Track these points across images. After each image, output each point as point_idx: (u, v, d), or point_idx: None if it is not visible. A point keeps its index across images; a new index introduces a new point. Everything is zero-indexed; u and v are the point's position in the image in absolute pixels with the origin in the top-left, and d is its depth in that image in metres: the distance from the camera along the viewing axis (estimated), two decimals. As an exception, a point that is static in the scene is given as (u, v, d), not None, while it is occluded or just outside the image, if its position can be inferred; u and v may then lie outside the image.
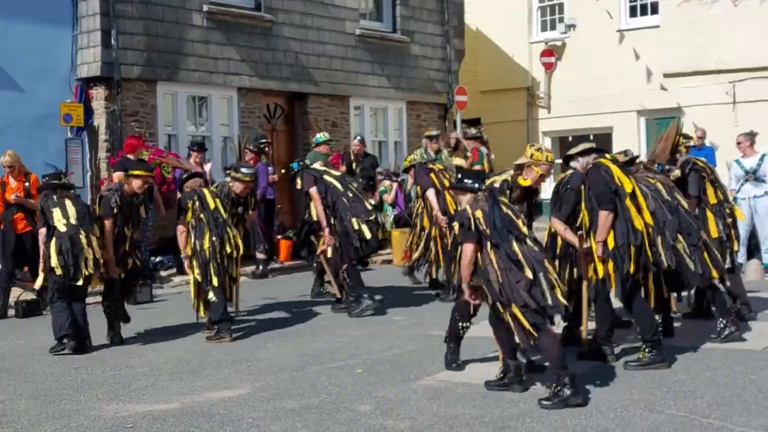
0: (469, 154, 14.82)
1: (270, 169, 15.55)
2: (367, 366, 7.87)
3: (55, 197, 9.37)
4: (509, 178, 7.66)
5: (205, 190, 10.02)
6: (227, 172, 11.34)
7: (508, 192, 7.49)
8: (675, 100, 20.85)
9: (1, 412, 6.87)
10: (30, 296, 11.72)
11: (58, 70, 15.28)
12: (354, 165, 16.53)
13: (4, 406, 7.04)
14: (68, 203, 9.33)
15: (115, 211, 9.41)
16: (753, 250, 13.12)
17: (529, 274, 6.65)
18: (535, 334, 6.63)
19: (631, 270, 7.42)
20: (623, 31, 22.07)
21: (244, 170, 10.51)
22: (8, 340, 9.87)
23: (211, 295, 9.44)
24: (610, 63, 21.81)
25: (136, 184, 9.66)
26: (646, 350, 7.55)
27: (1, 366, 8.58)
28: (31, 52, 14.83)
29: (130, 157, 13.58)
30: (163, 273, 14.10)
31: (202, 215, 9.69)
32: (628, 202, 7.45)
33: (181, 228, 9.86)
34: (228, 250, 9.61)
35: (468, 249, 6.83)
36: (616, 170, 7.56)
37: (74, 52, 15.43)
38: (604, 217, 7.41)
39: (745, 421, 5.97)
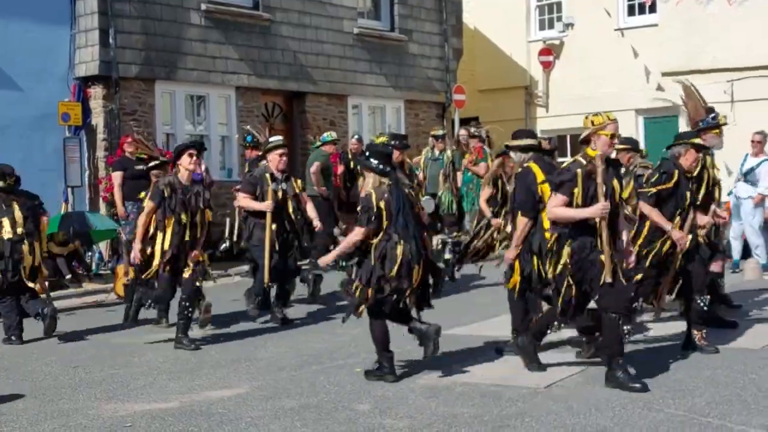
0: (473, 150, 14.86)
1: None
2: (366, 365, 7.85)
3: (3, 205, 9.60)
4: (579, 158, 7.10)
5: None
6: (258, 156, 11.27)
7: (578, 172, 6.90)
8: (673, 99, 20.84)
9: (-1, 412, 6.87)
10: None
11: (56, 69, 15.28)
12: (352, 164, 16.50)
13: (3, 405, 7.03)
14: (15, 209, 9.56)
15: (166, 194, 8.87)
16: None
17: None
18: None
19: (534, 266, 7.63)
20: (621, 30, 22.06)
21: (271, 139, 10.19)
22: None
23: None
24: (609, 62, 21.79)
25: (185, 162, 9.01)
26: (514, 336, 8.01)
27: (0, 365, 8.57)
28: (29, 51, 14.83)
29: (129, 156, 13.59)
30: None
31: (168, 207, 9.69)
32: (544, 215, 7.61)
33: (144, 217, 9.50)
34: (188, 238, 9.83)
35: (360, 233, 7.24)
36: (540, 178, 7.75)
37: (72, 51, 15.43)
38: (523, 224, 7.73)
39: (744, 420, 5.96)
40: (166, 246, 8.92)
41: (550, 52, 23.21)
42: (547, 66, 23.31)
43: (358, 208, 7.36)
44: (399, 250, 7.16)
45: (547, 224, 7.57)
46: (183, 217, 8.92)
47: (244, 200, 10.12)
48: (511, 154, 8.34)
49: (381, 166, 7.30)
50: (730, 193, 13.54)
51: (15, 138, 14.56)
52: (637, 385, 6.75)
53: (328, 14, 18.52)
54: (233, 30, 16.95)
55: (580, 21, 22.59)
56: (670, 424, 5.91)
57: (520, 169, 8.03)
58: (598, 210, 6.90)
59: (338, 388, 7.16)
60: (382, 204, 7.18)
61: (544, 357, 8.02)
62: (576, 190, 6.94)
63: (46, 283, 12.72)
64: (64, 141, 15.10)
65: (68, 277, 13.37)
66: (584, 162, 7.01)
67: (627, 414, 6.18)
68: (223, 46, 16.77)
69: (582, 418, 6.12)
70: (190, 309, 9.05)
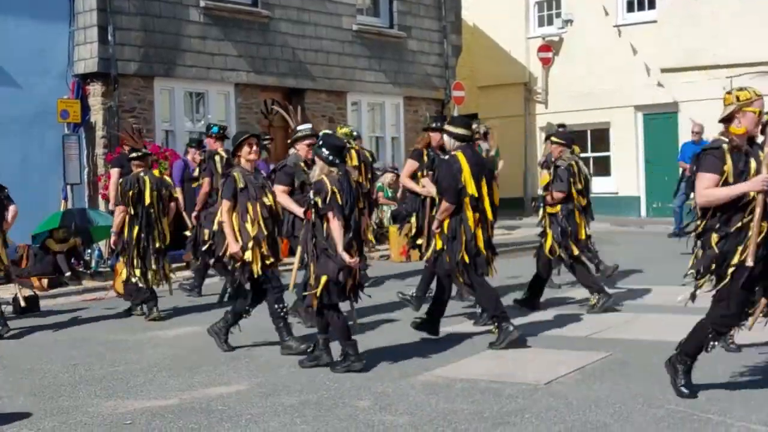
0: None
1: (271, 166, 15.50)
2: (365, 362, 7.85)
3: None
4: (720, 137, 6.42)
5: (147, 180, 10.51)
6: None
7: (725, 147, 6.22)
8: (672, 96, 20.85)
9: (-1, 409, 6.87)
10: (28, 292, 11.70)
11: (55, 66, 15.27)
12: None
13: (3, 403, 7.03)
14: None
15: (239, 186, 8.34)
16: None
17: (346, 257, 7.39)
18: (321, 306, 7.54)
19: (465, 259, 8.21)
20: (620, 27, 22.08)
21: (300, 128, 9.75)
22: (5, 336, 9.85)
23: (134, 280, 10.52)
24: (608, 58, 21.82)
25: (245, 152, 8.53)
26: (496, 326, 8.29)
27: (-1, 362, 8.58)
28: (27, 48, 14.82)
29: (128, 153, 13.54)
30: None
31: (136, 208, 10.40)
32: (467, 201, 8.22)
33: (121, 208, 10.54)
34: (157, 244, 10.52)
35: (340, 223, 7.40)
36: (466, 170, 8.23)
37: (71, 48, 15.42)
38: (445, 206, 8.28)
39: (745, 415, 5.96)
40: (255, 231, 8.37)
41: (550, 49, 23.23)
42: (547, 62, 23.33)
43: (314, 195, 7.49)
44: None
45: (471, 220, 8.17)
46: (266, 199, 8.45)
47: (284, 198, 9.33)
48: (444, 137, 8.66)
49: (330, 157, 7.54)
50: None
51: (13, 135, 14.56)
52: (685, 391, 6.43)
53: (327, 11, 18.52)
54: (232, 27, 16.94)
55: (579, 17, 22.61)
56: (670, 420, 5.91)
57: (447, 156, 8.49)
58: (758, 183, 6.05)
59: (338, 385, 7.15)
60: (335, 188, 7.42)
61: (544, 354, 8.03)
62: (726, 167, 6.23)
63: (45, 281, 12.84)
64: (63, 138, 15.09)
65: (68, 274, 13.36)
66: (726, 140, 6.33)
67: (627, 410, 6.17)
68: (222, 42, 16.76)
69: (582, 414, 6.12)
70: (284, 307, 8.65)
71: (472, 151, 8.46)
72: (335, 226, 7.40)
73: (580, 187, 10.12)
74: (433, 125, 10.81)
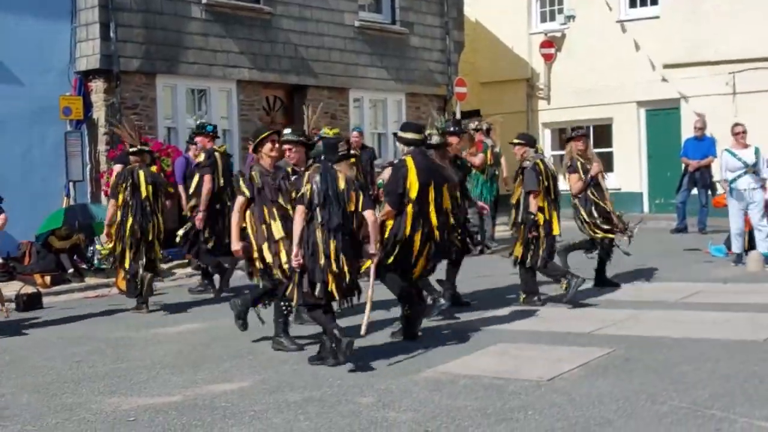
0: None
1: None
2: (367, 358, 7.85)
3: None
4: None
5: (141, 174, 10.64)
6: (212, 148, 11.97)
7: None
8: (675, 91, 20.83)
9: (3, 406, 6.86)
10: (31, 290, 11.73)
11: (57, 63, 15.28)
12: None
13: (6, 400, 7.04)
14: None
15: (257, 185, 8.29)
16: (752, 241, 13.10)
17: (321, 259, 7.44)
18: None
19: (389, 261, 8.28)
20: (623, 22, 22.04)
21: (284, 131, 8.94)
22: (9, 333, 9.86)
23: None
24: (610, 54, 21.78)
25: (266, 148, 8.49)
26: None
27: (3, 360, 8.58)
28: (29, 45, 14.82)
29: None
30: (163, 266, 14.05)
31: (130, 201, 10.54)
32: (409, 207, 8.27)
33: (112, 202, 10.72)
34: (149, 237, 10.63)
35: (302, 212, 7.52)
36: (412, 175, 8.29)
37: (73, 45, 15.43)
38: (386, 210, 8.35)
39: (748, 411, 5.95)
40: (280, 233, 8.24)
41: (552, 45, 23.19)
42: (549, 58, 23.30)
43: (290, 186, 7.83)
44: (319, 235, 7.50)
45: (408, 227, 8.22)
46: (282, 202, 8.28)
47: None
48: (397, 143, 8.91)
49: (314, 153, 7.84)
50: (730, 190, 13.34)
51: (15, 132, 14.57)
52: None
53: (329, 7, 18.51)
54: (234, 23, 16.93)
55: (581, 13, 22.58)
56: (674, 417, 5.90)
57: (396, 161, 8.65)
58: None
59: (341, 382, 7.15)
60: (308, 187, 7.55)
61: (547, 350, 8.03)
62: None
63: (48, 278, 12.86)
64: (66, 135, 15.10)
65: (70, 271, 13.37)
66: None
67: (630, 406, 6.16)
68: (224, 39, 16.76)
69: (585, 410, 6.11)
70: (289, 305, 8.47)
71: (422, 156, 8.49)
72: (297, 221, 7.54)
73: (546, 184, 10.10)
74: (451, 129, 10.27)
